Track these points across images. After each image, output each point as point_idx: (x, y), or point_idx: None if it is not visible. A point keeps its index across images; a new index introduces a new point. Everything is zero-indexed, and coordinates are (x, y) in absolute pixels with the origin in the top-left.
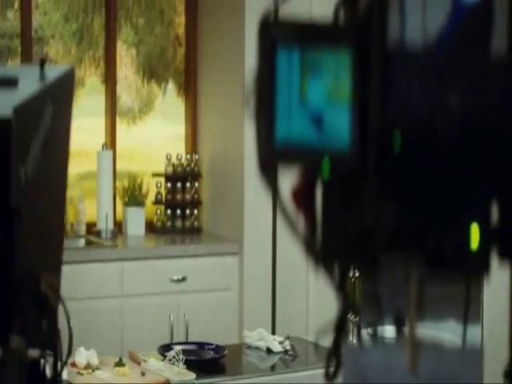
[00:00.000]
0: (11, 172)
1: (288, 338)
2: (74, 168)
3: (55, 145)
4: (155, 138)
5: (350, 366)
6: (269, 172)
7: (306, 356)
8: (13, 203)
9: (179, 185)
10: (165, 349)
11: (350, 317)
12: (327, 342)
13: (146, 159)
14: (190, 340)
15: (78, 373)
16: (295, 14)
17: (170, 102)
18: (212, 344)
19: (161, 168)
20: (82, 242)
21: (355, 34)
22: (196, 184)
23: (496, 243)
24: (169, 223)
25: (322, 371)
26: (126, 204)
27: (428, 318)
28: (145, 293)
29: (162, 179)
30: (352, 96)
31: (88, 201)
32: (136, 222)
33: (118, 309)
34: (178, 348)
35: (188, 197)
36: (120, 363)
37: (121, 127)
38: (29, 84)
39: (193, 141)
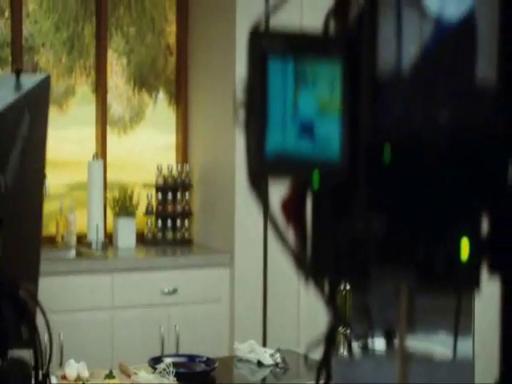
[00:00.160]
0: None
1: (279, 350)
2: (65, 178)
3: (32, 154)
4: (146, 147)
5: (340, 378)
6: (259, 185)
7: (297, 369)
8: None
9: (170, 195)
10: (155, 361)
11: (341, 329)
12: (318, 354)
13: (137, 169)
14: (180, 352)
15: None
16: (286, 24)
17: (160, 111)
18: (203, 356)
19: (152, 178)
20: (72, 253)
21: (345, 45)
22: (187, 194)
23: (486, 256)
24: (160, 234)
25: None
26: (117, 215)
27: (419, 330)
28: (135, 305)
29: (153, 190)
30: (342, 107)
31: (78, 211)
32: (127, 233)
33: (108, 321)
34: (168, 360)
35: (179, 208)
36: (110, 375)
37: (111, 137)
38: (5, 93)
39: (184, 150)
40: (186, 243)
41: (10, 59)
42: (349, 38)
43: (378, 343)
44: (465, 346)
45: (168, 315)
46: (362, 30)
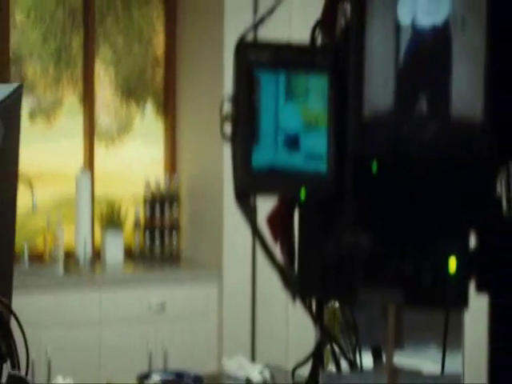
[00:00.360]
0: None
1: (267, 366)
2: (52, 191)
3: (5, 166)
4: (134, 159)
5: None
6: (245, 200)
7: None
8: None
9: (158, 208)
10: (143, 377)
11: (329, 346)
12: (306, 371)
13: (125, 182)
14: (168, 368)
15: None
16: (273, 36)
17: (148, 122)
18: (190, 373)
19: (140, 191)
20: (60, 269)
21: (332, 57)
22: (175, 208)
23: (474, 274)
24: (148, 248)
25: None
26: (105, 229)
27: (408, 345)
28: (123, 320)
29: (141, 203)
30: (329, 120)
31: (66, 225)
32: (115, 247)
33: (96, 336)
34: (156, 378)
35: (167, 221)
36: None
37: (99, 148)
38: None
39: (172, 162)
40: (174, 257)
41: None
42: (336, 51)
43: (366, 359)
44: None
45: (156, 330)
46: (349, 42)
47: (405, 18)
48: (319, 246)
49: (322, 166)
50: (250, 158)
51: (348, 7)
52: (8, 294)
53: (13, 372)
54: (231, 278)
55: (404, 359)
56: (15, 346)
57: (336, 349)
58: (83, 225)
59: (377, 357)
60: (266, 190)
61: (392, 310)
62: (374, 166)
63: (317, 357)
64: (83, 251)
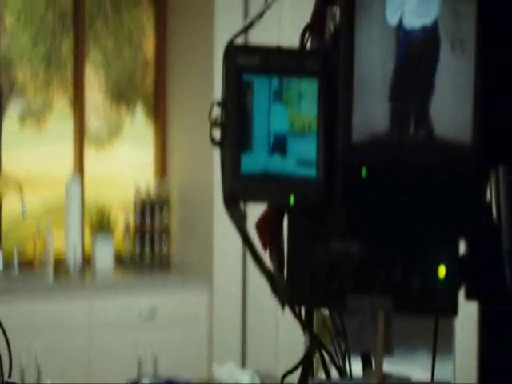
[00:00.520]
0: None
1: (257, 373)
2: (42, 196)
3: None
4: (124, 163)
5: None
6: (234, 206)
7: None
8: None
9: (148, 213)
10: None
11: (318, 353)
12: (295, 378)
13: (115, 186)
14: (158, 374)
15: None
16: (264, 40)
17: (139, 126)
18: (181, 380)
19: (130, 195)
20: (50, 275)
21: (322, 62)
22: (165, 213)
23: (463, 283)
24: (138, 254)
25: None
26: (95, 234)
27: (398, 351)
28: (113, 326)
29: (131, 208)
30: (318, 125)
31: (55, 229)
32: (105, 253)
33: (85, 343)
34: None
35: (157, 226)
36: None
37: (89, 152)
38: None
39: (162, 166)
40: (164, 263)
41: None
42: (325, 55)
43: (355, 366)
44: (445, 367)
45: (146, 336)
46: (338, 46)
47: (393, 18)
48: (308, 253)
49: (311, 172)
50: (238, 164)
51: (337, 11)
52: None
53: (10, 381)
54: (221, 283)
55: (393, 366)
56: None
57: (325, 356)
58: (73, 230)
59: (366, 364)
60: (255, 195)
61: (381, 317)
62: (364, 172)
63: (306, 364)
64: (73, 257)
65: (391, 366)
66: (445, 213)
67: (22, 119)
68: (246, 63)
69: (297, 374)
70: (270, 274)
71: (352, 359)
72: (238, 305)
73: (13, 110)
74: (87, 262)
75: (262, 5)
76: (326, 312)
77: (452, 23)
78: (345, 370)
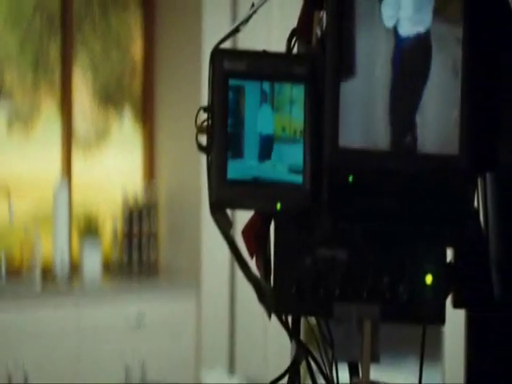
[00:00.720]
0: None
1: (245, 378)
2: (30, 201)
3: None
4: (112, 167)
5: None
6: (220, 213)
7: None
8: None
9: (136, 219)
10: None
11: (305, 360)
12: None
13: (103, 190)
14: (147, 379)
15: None
16: (252, 44)
17: (127, 130)
18: None
19: (118, 199)
20: (37, 282)
21: (309, 67)
22: (153, 219)
23: (451, 291)
24: (126, 259)
25: None
26: (83, 239)
27: (386, 358)
28: (101, 333)
29: (119, 213)
30: (305, 131)
31: (43, 234)
32: (92, 258)
33: (73, 350)
34: None
35: (145, 231)
36: None
37: (77, 156)
38: None
39: (150, 170)
40: (152, 268)
41: None
42: (312, 59)
43: (343, 375)
44: (434, 373)
45: (133, 343)
46: (326, 51)
47: (389, 22)
48: (295, 261)
49: (298, 179)
50: (225, 170)
51: (324, 15)
52: None
53: None
54: (209, 289)
55: (382, 373)
56: None
57: (312, 364)
58: (61, 237)
59: (353, 372)
60: (241, 202)
61: (368, 326)
62: (351, 178)
63: (293, 372)
64: (61, 263)
65: (379, 373)
66: (432, 220)
67: (10, 123)
68: (232, 68)
69: (284, 381)
70: (256, 282)
71: (339, 368)
72: (226, 310)
73: (0, 114)
74: (75, 268)
75: (250, 9)
76: (313, 320)
77: (443, 34)
78: (332, 378)
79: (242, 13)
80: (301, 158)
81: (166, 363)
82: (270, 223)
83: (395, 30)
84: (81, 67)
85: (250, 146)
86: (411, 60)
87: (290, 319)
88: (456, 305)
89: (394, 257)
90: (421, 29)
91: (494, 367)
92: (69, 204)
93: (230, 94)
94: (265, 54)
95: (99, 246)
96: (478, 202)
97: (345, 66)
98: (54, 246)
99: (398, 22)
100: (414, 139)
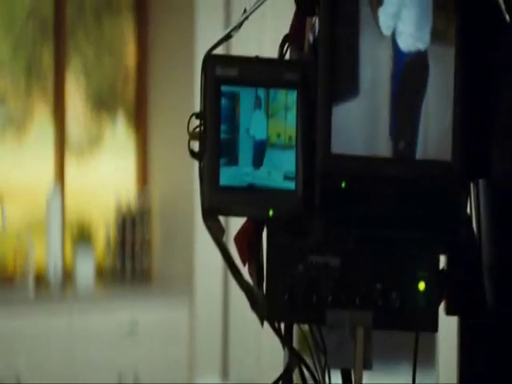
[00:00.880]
0: None
1: None
2: (23, 207)
3: None
4: (105, 173)
5: None
6: (212, 219)
7: None
8: None
9: (129, 226)
10: None
11: (298, 368)
12: None
13: (96, 196)
14: None
15: None
16: (245, 50)
17: (120, 136)
18: None
19: (111, 205)
20: (30, 289)
21: (301, 73)
22: (146, 226)
23: (443, 299)
24: (119, 267)
25: None
26: (76, 246)
27: (380, 364)
28: (94, 340)
29: (112, 219)
30: (297, 137)
31: (36, 240)
32: (85, 265)
33: (66, 357)
34: None
35: (138, 238)
36: None
37: (70, 162)
38: None
39: (143, 176)
40: (145, 275)
41: None
42: (304, 65)
43: (335, 381)
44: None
45: (127, 350)
46: (318, 55)
47: (387, 30)
48: (287, 267)
49: (291, 185)
50: (217, 176)
51: (316, 22)
52: None
53: None
54: (203, 295)
55: (375, 379)
56: None
57: (305, 371)
58: (54, 243)
59: (346, 379)
60: (234, 209)
61: (361, 333)
62: (343, 184)
63: (286, 379)
64: (54, 270)
65: (372, 380)
66: (425, 227)
67: (2, 129)
68: (224, 74)
69: None
70: (248, 289)
71: (332, 374)
72: (219, 317)
73: None
74: (68, 274)
75: (241, 15)
76: (305, 327)
77: (439, 53)
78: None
79: (236, 19)
80: (294, 165)
81: (159, 370)
82: (262, 230)
83: (394, 41)
84: (74, 73)
85: (245, 152)
86: (411, 74)
87: (282, 326)
88: (448, 312)
89: (387, 264)
90: (421, 46)
91: (487, 374)
92: (62, 210)
93: (225, 101)
94: (257, 60)
95: (92, 252)
96: (470, 208)
97: (337, 73)
98: (47, 253)
99: (398, 35)
100: (407, 145)
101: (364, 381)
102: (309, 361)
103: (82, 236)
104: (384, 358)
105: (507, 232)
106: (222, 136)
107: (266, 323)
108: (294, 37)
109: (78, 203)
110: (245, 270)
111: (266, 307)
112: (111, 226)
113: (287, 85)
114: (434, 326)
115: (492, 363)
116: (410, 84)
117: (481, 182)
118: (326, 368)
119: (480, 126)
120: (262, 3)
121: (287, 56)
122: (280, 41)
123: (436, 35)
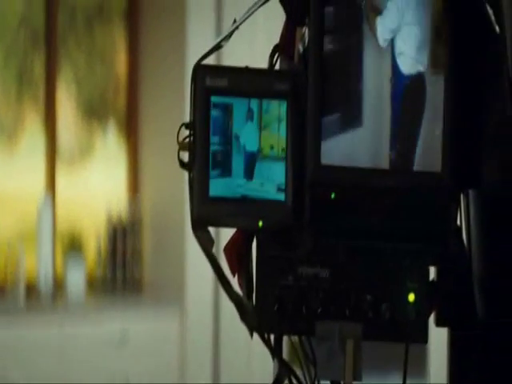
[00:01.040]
0: None
1: None
2: (13, 217)
3: None
4: (96, 182)
5: None
6: (202, 230)
7: None
8: None
9: (120, 236)
10: None
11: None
12: None
13: (87, 205)
14: None
15: None
16: (237, 60)
17: (111, 145)
18: None
19: (102, 214)
20: (21, 300)
21: (292, 83)
22: (137, 236)
23: (433, 310)
24: (110, 276)
25: None
26: (67, 256)
27: (371, 376)
28: (85, 350)
29: (103, 229)
30: (287, 148)
31: (27, 250)
32: (76, 275)
33: (57, 367)
34: None
35: (129, 248)
36: None
37: (61, 171)
38: None
39: (134, 186)
40: (136, 285)
41: None
42: (294, 75)
43: None
44: None
45: (118, 359)
46: (308, 66)
47: (384, 42)
48: (277, 278)
49: (280, 196)
50: (206, 187)
51: (306, 32)
52: None
53: None
54: (194, 306)
55: None
56: None
57: (295, 383)
58: (45, 253)
59: None
60: (223, 220)
61: (350, 345)
62: (333, 196)
63: None
64: (45, 281)
65: None
66: (415, 238)
67: None
68: (214, 84)
69: None
70: (238, 300)
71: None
72: (210, 327)
73: None
74: (59, 284)
75: (232, 25)
76: (295, 338)
77: (434, 78)
78: None
79: (227, 28)
80: (283, 176)
81: (150, 380)
82: (252, 241)
83: (393, 57)
84: (65, 82)
85: (239, 164)
86: (411, 95)
87: (272, 337)
88: (439, 323)
89: (377, 275)
90: (421, 68)
91: None
92: (53, 220)
93: (217, 112)
94: (247, 70)
95: (83, 262)
96: (460, 219)
97: (327, 83)
98: (38, 262)
99: (398, 55)
100: (397, 157)
101: None
102: (299, 372)
103: (73, 245)
104: (374, 370)
105: (497, 243)
106: (215, 147)
107: (255, 334)
108: (284, 47)
109: (68, 212)
110: (234, 281)
111: (256, 318)
112: (102, 236)
113: (277, 95)
114: (424, 338)
115: (482, 374)
116: (411, 106)
117: (470, 192)
118: (315, 380)
119: (469, 136)
120: (251, 14)
121: (277, 66)
122: (270, 51)
123: (432, 58)
